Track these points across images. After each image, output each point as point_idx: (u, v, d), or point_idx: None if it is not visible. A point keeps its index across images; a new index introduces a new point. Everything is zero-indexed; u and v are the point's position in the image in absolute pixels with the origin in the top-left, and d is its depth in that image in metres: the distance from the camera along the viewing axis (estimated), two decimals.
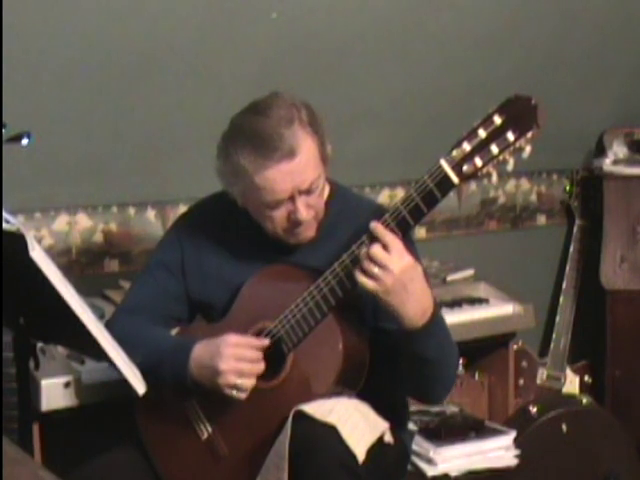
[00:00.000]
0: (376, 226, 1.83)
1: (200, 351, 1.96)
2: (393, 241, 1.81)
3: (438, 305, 1.91)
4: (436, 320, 1.89)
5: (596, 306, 3.56)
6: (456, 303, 2.90)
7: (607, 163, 3.55)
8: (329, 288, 1.89)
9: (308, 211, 1.96)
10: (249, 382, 1.92)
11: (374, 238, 1.83)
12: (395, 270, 1.80)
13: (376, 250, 1.81)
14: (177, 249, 2.15)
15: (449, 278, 3.07)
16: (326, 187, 2.06)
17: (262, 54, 2.78)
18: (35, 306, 1.88)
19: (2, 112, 2.21)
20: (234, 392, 1.92)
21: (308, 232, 2.02)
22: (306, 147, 1.92)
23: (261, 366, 1.93)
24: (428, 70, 3.10)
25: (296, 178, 1.92)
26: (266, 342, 1.95)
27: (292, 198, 1.94)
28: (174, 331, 2.13)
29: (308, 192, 1.95)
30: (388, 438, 1.99)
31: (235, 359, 1.91)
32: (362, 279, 1.83)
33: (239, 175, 1.95)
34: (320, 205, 2.01)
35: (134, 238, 2.88)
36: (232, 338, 1.93)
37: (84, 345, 1.87)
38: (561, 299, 3.53)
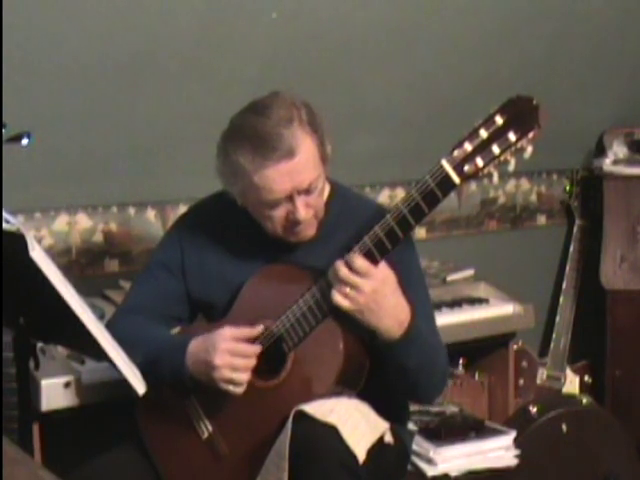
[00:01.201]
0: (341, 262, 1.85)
1: (196, 346, 1.97)
2: (361, 265, 1.84)
3: (416, 314, 1.92)
4: (414, 329, 1.90)
5: (596, 306, 3.56)
6: (456, 303, 2.89)
7: (607, 163, 3.55)
8: (330, 288, 1.89)
9: (307, 211, 1.96)
10: (244, 376, 1.92)
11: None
12: (367, 290, 1.84)
13: (346, 273, 1.84)
14: (177, 249, 2.15)
15: (449, 278, 3.07)
16: (326, 186, 2.07)
17: (262, 54, 2.78)
18: (35, 306, 1.88)
19: (2, 112, 2.21)
20: (230, 387, 1.92)
21: (308, 231, 2.02)
22: (305, 147, 1.92)
23: (254, 360, 1.93)
24: (428, 70, 3.10)
25: (295, 178, 1.92)
26: (260, 329, 1.95)
27: (291, 198, 1.94)
28: (175, 331, 2.13)
29: (307, 192, 1.95)
30: (388, 438, 1.99)
31: (230, 354, 1.91)
32: (337, 299, 1.86)
33: (238, 174, 1.95)
34: (320, 204, 2.01)
35: (134, 238, 2.88)
36: (227, 332, 1.93)
37: (84, 345, 1.87)
38: (561, 299, 3.53)
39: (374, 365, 1.97)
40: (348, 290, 1.84)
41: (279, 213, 1.96)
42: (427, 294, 2.11)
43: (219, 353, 1.90)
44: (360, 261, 1.84)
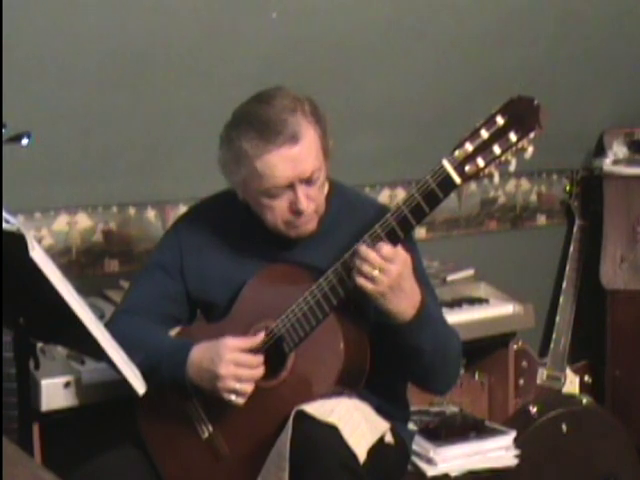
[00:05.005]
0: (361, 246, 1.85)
1: (199, 354, 1.96)
2: (389, 249, 1.83)
3: (426, 294, 1.93)
4: (426, 310, 1.91)
5: (596, 306, 3.56)
6: (456, 303, 2.90)
7: (607, 163, 3.55)
8: (330, 287, 1.90)
9: (309, 202, 1.96)
10: (248, 387, 1.92)
11: (374, 241, 1.84)
12: (393, 272, 1.83)
13: (375, 255, 1.83)
14: (175, 250, 2.15)
15: (449, 278, 3.06)
16: (326, 184, 2.06)
17: (262, 54, 2.78)
18: (35, 306, 1.87)
19: (2, 112, 2.21)
20: (232, 397, 1.93)
21: (309, 225, 2.01)
22: (309, 135, 1.93)
23: (260, 371, 1.93)
24: (429, 70, 3.10)
25: (298, 165, 1.92)
26: (261, 336, 1.95)
27: (293, 187, 1.94)
28: (174, 331, 2.13)
29: (309, 182, 1.95)
30: (388, 438, 1.99)
31: (235, 364, 1.91)
32: (361, 281, 1.85)
33: (241, 161, 1.94)
34: (320, 199, 2.01)
35: (134, 238, 2.88)
36: (231, 342, 1.93)
37: (84, 345, 1.87)
38: (561, 299, 3.53)
39: (376, 364, 1.97)
40: (375, 273, 1.83)
41: (281, 203, 1.96)
42: (433, 292, 2.11)
43: (224, 363, 1.90)
44: (387, 246, 1.84)
